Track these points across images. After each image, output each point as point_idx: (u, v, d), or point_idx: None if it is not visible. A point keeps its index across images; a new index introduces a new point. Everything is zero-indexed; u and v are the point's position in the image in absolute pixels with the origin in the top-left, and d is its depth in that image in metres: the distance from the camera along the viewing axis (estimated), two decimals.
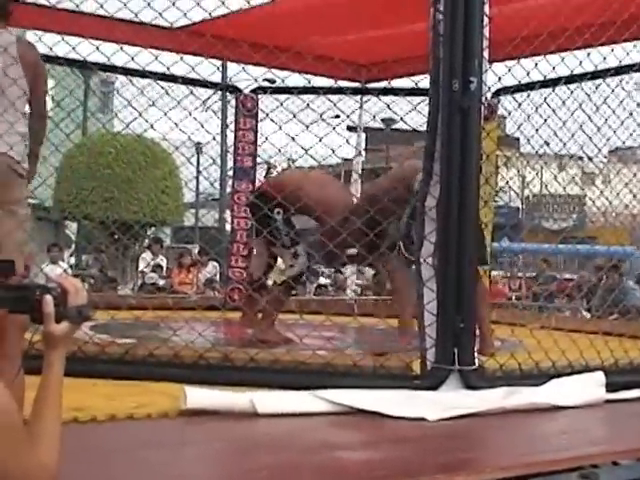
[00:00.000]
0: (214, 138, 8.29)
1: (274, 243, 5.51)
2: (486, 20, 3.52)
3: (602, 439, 3.08)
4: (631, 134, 5.96)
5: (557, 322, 6.33)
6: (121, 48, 4.85)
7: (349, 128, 9.47)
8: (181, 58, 5.29)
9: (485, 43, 3.52)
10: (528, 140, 5.64)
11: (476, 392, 3.33)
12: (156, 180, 13.56)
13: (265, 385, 3.36)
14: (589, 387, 3.49)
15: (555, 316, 7.12)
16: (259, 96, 7.50)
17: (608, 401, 3.51)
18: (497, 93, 7.15)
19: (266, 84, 8.69)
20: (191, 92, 6.81)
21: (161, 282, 11.51)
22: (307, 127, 4.96)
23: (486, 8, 3.53)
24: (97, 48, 4.86)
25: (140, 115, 5.32)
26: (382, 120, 15.10)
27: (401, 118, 6.13)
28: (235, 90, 7.47)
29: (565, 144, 5.60)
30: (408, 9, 4.76)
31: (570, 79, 5.68)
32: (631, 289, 9.95)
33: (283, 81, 7.68)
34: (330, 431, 2.96)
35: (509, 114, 7.54)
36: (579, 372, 3.63)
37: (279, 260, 5.96)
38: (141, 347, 3.76)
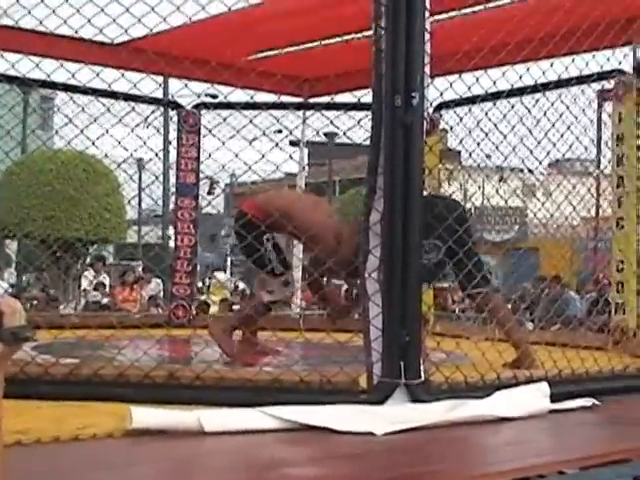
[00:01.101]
0: (157, 155, 8.23)
1: (264, 269, 5.34)
2: (427, 36, 3.55)
3: (547, 449, 3.10)
4: (570, 147, 6.07)
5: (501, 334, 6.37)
6: (61, 65, 4.81)
7: (292, 143, 9.49)
8: (122, 75, 5.26)
9: (427, 59, 3.55)
10: (470, 154, 5.70)
11: (422, 405, 3.34)
12: (98, 197, 13.44)
13: (212, 403, 3.33)
14: (533, 398, 3.52)
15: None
16: (202, 112, 7.48)
17: (553, 411, 3.54)
18: (439, 107, 7.23)
19: (209, 99, 8.67)
20: (133, 109, 6.77)
21: (104, 300, 11.42)
22: (250, 143, 4.94)
23: (427, 24, 3.56)
24: (37, 65, 4.83)
25: (82, 132, 5.29)
26: (325, 134, 15.15)
27: (344, 133, 6.15)
28: (177, 106, 7.44)
29: (506, 158, 5.70)
30: (350, 24, 4.79)
31: (510, 93, 5.77)
32: (572, 299, 10.09)
33: (226, 97, 7.66)
34: (278, 448, 2.94)
35: (451, 128, 7.64)
36: (523, 383, 3.67)
37: None
38: (85, 367, 3.71)
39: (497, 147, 5.92)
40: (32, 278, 14.00)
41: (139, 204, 17.39)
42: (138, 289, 11.62)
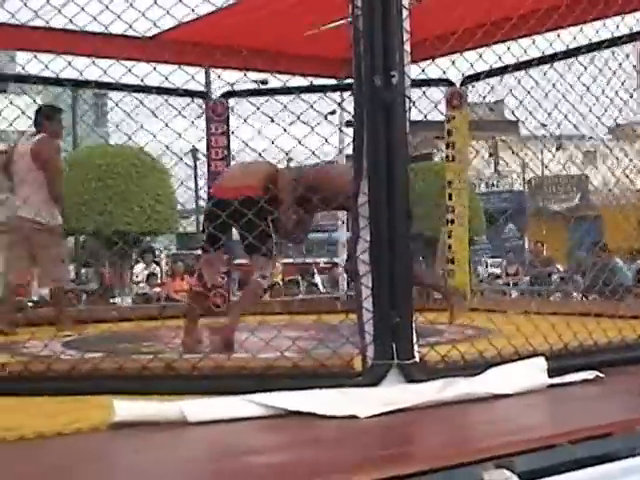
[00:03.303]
0: (193, 147, 8.34)
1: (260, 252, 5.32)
2: (405, 13, 3.50)
3: (527, 426, 3.02)
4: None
5: (539, 306, 6.31)
6: (93, 62, 4.86)
7: (348, 123, 9.43)
8: (154, 68, 5.31)
9: (406, 36, 3.50)
10: (518, 122, 5.65)
11: (414, 386, 3.32)
12: (148, 189, 13.50)
13: (209, 393, 3.34)
14: (529, 373, 3.46)
15: (535, 300, 7.09)
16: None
17: (552, 386, 3.48)
18: (465, 81, 7.15)
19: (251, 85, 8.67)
20: (166, 101, 6.84)
21: (155, 291, 11.56)
22: (285, 130, 4.88)
23: (405, 1, 3.51)
24: (69, 64, 4.90)
25: (117, 127, 5.37)
26: None
27: None
28: (204, 96, 7.47)
29: (559, 125, 5.65)
30: None
31: (541, 60, 5.70)
32: (619, 267, 9.85)
33: (260, 83, 7.63)
34: (254, 435, 2.94)
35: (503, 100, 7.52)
36: (526, 358, 3.61)
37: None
38: (86, 362, 3.77)
39: (549, 115, 5.90)
40: (90, 272, 14.22)
41: (195, 193, 17.46)
42: (189, 279, 11.70)
